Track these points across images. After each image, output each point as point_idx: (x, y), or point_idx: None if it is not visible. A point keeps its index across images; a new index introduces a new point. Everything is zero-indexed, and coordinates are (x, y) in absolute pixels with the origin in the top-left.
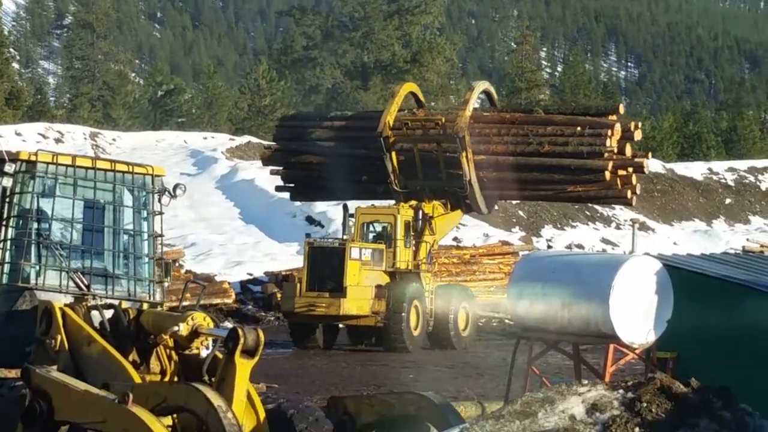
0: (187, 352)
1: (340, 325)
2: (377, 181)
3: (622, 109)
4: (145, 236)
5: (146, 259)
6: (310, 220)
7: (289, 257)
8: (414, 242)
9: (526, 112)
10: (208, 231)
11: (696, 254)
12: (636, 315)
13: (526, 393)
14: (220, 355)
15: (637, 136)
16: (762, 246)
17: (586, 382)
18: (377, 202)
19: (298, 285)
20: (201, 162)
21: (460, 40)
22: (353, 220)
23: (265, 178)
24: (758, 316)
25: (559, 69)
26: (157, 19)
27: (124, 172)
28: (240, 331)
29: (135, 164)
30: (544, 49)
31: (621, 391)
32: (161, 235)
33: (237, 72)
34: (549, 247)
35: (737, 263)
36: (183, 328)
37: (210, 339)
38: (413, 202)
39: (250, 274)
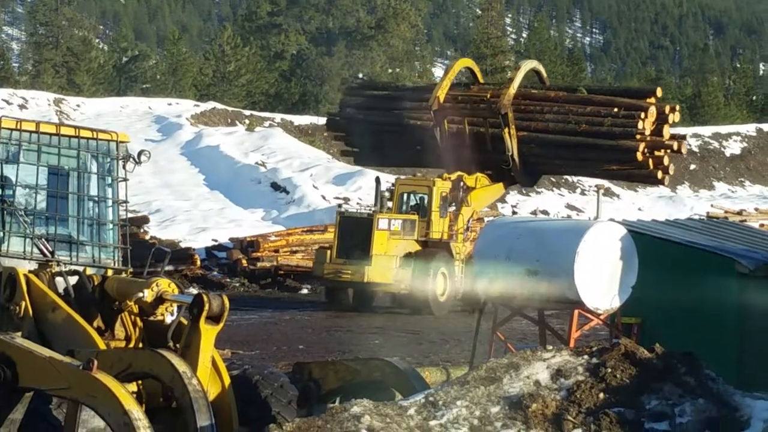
0: (151, 318)
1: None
2: (429, 150)
3: (660, 92)
4: (110, 203)
5: (111, 226)
6: (275, 186)
7: (254, 223)
8: (453, 213)
9: (570, 90)
10: (172, 197)
11: (660, 220)
12: (601, 281)
13: (491, 359)
14: (185, 322)
15: (674, 119)
16: (726, 212)
17: (550, 347)
18: (424, 171)
19: (329, 252)
20: (165, 128)
21: (425, 6)
22: (387, 191)
23: (230, 144)
24: (722, 282)
25: (524, 35)
26: None
27: (88, 139)
28: (205, 298)
29: (99, 130)
30: (509, 15)
31: (585, 356)
32: (126, 202)
33: (202, 38)
34: (514, 213)
35: (701, 229)
36: (148, 295)
37: (175, 305)
38: (455, 175)
39: (215, 241)
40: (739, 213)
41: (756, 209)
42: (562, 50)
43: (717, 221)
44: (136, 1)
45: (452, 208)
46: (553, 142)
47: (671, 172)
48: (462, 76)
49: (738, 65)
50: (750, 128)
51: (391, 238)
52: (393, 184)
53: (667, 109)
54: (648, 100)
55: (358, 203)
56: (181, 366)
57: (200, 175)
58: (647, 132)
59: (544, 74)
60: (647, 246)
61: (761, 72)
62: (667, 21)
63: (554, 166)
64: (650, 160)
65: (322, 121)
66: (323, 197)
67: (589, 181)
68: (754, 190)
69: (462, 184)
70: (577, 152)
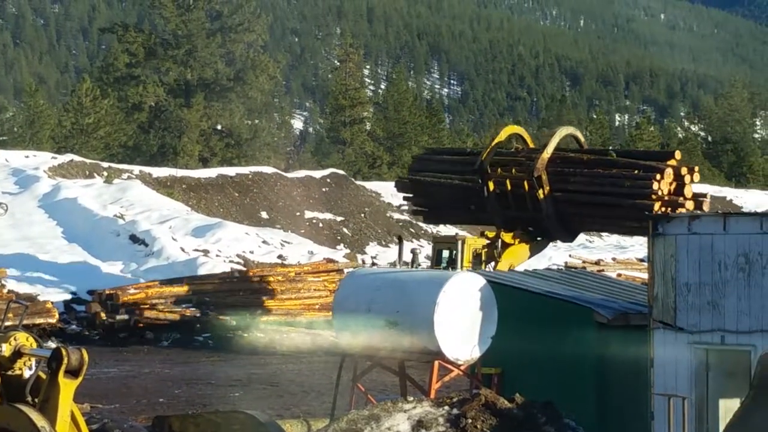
0: (9, 372)
1: None
2: (481, 209)
3: (678, 155)
4: None
5: None
6: (134, 239)
7: (113, 276)
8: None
9: (601, 153)
10: (30, 250)
11: (519, 270)
12: (460, 331)
13: (352, 410)
14: (44, 376)
15: (693, 179)
16: (584, 262)
17: (411, 398)
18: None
19: None
20: (23, 180)
21: (283, 58)
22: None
23: (88, 196)
24: (580, 331)
25: (382, 86)
26: None
27: None
28: (64, 351)
29: None
30: (368, 66)
31: (446, 407)
32: None
33: (59, 90)
34: (373, 264)
35: (560, 279)
36: (5, 349)
37: (33, 359)
38: (493, 232)
39: (74, 294)
40: (597, 263)
41: (613, 259)
42: (421, 101)
43: (575, 271)
44: None
45: (491, 264)
46: (583, 201)
47: None
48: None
49: (595, 116)
50: None
51: None
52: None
53: (685, 170)
54: (668, 162)
55: (217, 255)
56: (39, 421)
57: (58, 227)
58: (664, 192)
59: (582, 139)
60: (506, 296)
61: (617, 123)
62: (524, 72)
63: (587, 224)
64: None
65: (180, 173)
66: (182, 249)
67: (448, 231)
68: (612, 240)
69: (500, 241)
70: (603, 211)
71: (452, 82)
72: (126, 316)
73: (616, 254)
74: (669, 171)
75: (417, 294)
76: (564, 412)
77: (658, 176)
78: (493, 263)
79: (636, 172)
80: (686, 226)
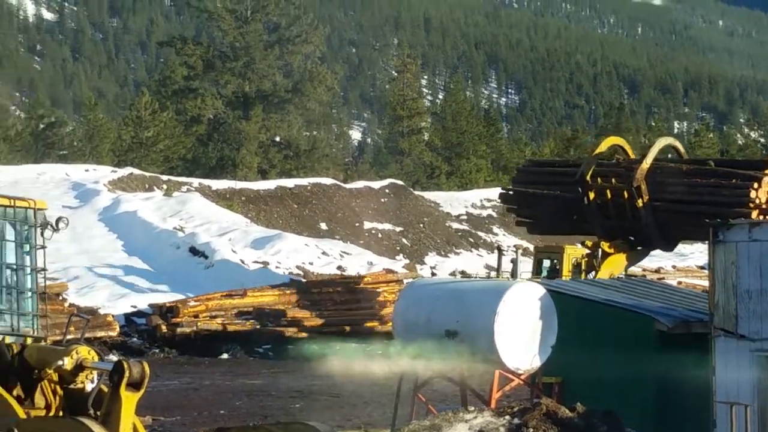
0: (72, 386)
1: None
2: (582, 219)
3: None
4: (28, 270)
5: (29, 294)
6: (194, 251)
7: (174, 289)
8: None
9: (700, 163)
10: (91, 264)
11: (580, 279)
12: (521, 341)
13: (413, 421)
14: (106, 389)
15: None
16: (644, 270)
17: (472, 408)
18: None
19: None
20: (83, 194)
21: (341, 69)
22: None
23: (148, 209)
24: (640, 340)
25: (440, 96)
26: (36, 51)
27: (5, 206)
28: (125, 364)
29: (17, 198)
30: (425, 76)
31: (507, 417)
32: (44, 269)
33: (118, 104)
34: (433, 274)
35: (620, 288)
36: (67, 362)
37: (95, 372)
38: (591, 242)
39: (134, 307)
40: (657, 271)
41: (673, 267)
42: (479, 111)
43: (635, 279)
44: (52, 67)
45: (591, 274)
46: (682, 210)
47: None
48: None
49: (653, 123)
50: None
51: None
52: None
53: None
54: (765, 171)
55: (276, 267)
56: None
57: (118, 240)
58: (762, 200)
59: (681, 149)
60: (567, 305)
61: (676, 130)
62: (582, 80)
63: (687, 233)
64: None
65: (240, 185)
66: (242, 261)
67: (508, 241)
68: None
69: (599, 250)
70: (702, 220)
71: (510, 91)
72: (186, 329)
73: (676, 262)
74: (766, 179)
75: (477, 304)
76: (625, 421)
77: (755, 185)
78: (593, 273)
79: (734, 181)
80: (747, 234)
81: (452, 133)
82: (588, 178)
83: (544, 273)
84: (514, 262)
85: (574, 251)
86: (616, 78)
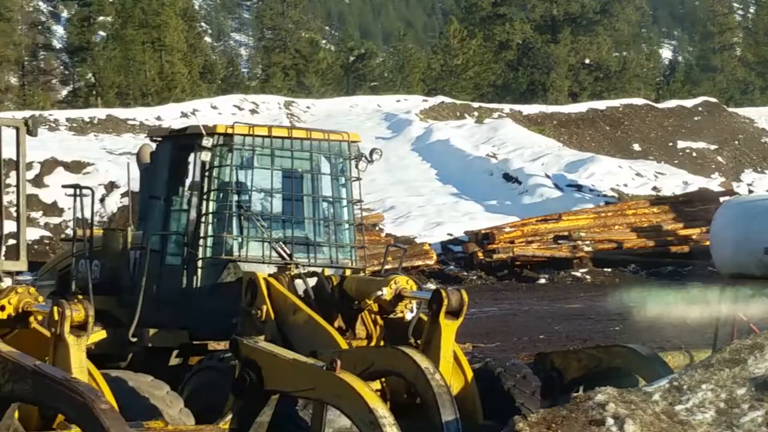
0: (391, 316)
1: None
2: None
3: None
4: (344, 203)
5: (346, 226)
6: (507, 177)
7: (488, 215)
8: None
9: None
10: (406, 193)
11: None
12: None
13: (734, 340)
14: (425, 318)
15: None
16: None
17: None
18: None
19: None
20: (395, 125)
21: None
22: None
23: (460, 137)
24: None
25: (751, 11)
26: None
27: (320, 140)
28: (443, 293)
29: (331, 132)
30: None
31: None
32: (360, 201)
33: (427, 33)
34: (750, 191)
35: None
36: (386, 293)
37: (414, 302)
38: None
39: (450, 235)
40: None
41: None
42: None
43: None
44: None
45: None
46: None
47: None
48: None
49: None
50: None
51: None
52: None
53: None
54: None
55: (591, 190)
56: (423, 362)
57: (432, 170)
58: None
59: None
60: None
61: None
62: None
63: None
64: None
65: (551, 109)
66: (556, 185)
67: None
68: None
69: None
70: None
71: None
72: (503, 255)
73: None
74: None
75: None
76: None
77: None
78: None
79: None
80: None
81: (765, 47)
82: None
83: None
84: None
85: None
86: None
